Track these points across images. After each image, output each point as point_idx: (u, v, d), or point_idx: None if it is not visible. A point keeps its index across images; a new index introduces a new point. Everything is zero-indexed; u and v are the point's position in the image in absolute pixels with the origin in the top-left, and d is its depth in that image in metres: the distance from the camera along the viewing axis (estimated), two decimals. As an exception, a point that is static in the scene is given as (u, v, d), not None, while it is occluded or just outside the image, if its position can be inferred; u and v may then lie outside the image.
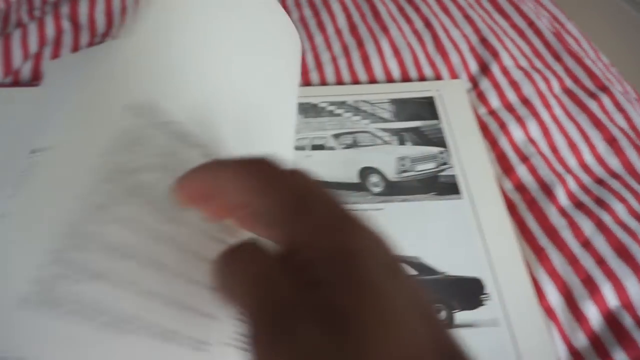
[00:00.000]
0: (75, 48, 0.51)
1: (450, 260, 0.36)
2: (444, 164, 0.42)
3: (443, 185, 0.40)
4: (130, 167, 0.22)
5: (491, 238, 0.37)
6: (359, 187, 0.40)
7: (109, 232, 0.20)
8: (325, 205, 0.17)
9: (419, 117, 0.45)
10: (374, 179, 0.41)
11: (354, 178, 0.41)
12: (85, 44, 0.52)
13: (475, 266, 0.36)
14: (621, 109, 0.46)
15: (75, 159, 0.21)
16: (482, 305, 0.34)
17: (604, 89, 0.48)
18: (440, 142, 0.43)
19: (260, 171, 0.18)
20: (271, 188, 0.17)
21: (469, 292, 0.35)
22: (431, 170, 0.41)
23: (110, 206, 0.20)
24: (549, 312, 0.34)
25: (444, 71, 0.50)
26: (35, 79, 0.48)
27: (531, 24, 0.55)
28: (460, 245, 0.37)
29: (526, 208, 0.39)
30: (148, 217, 0.21)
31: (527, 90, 0.48)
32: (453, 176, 0.41)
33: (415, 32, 0.54)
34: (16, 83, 0.48)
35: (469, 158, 0.42)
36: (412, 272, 0.35)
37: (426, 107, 0.46)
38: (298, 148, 0.43)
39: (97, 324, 0.19)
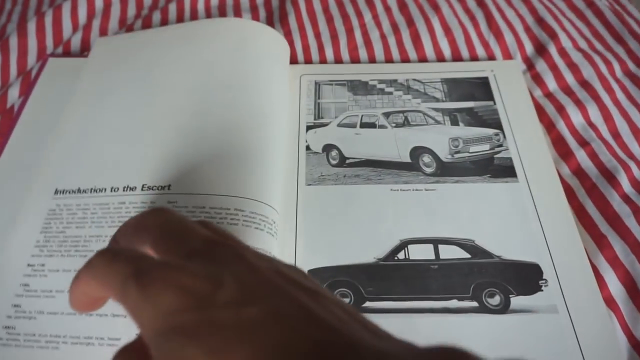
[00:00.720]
0: (123, 20, 0.51)
1: (506, 244, 0.35)
2: (499, 146, 0.40)
3: (498, 168, 0.39)
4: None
5: (549, 223, 0.36)
6: (411, 166, 0.39)
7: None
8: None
9: (473, 98, 0.44)
10: (426, 159, 0.40)
11: (406, 157, 0.40)
12: (132, 16, 0.52)
13: (532, 251, 0.35)
14: (688, 94, 0.44)
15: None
16: (540, 290, 0.33)
17: (670, 73, 0.45)
18: (494, 123, 0.42)
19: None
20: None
21: (527, 277, 0.34)
22: (486, 152, 0.40)
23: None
24: (610, 302, 0.33)
25: (497, 52, 0.48)
26: (84, 49, 0.48)
27: (591, 4, 0.52)
28: (517, 229, 0.36)
29: (585, 194, 0.38)
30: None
31: (587, 72, 0.45)
32: (509, 159, 0.40)
33: (468, 10, 0.52)
34: (66, 53, 0.48)
35: (525, 141, 0.41)
36: (466, 255, 0.34)
37: (480, 88, 0.44)
38: (348, 125, 0.42)
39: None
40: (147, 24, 0.51)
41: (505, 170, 0.39)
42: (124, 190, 0.34)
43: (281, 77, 0.42)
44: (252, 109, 0.38)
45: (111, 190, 0.34)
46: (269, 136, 0.37)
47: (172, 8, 0.52)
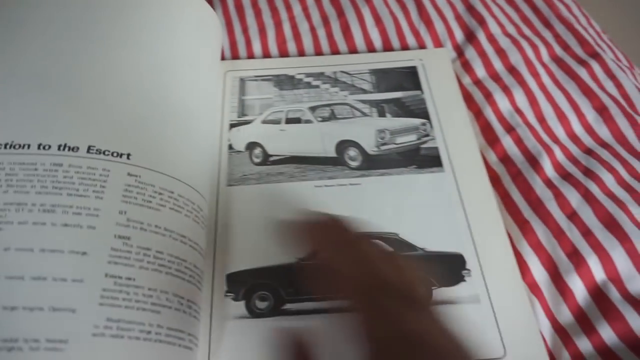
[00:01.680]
0: None
1: (430, 236, 0.34)
2: (426, 135, 0.40)
3: (424, 158, 0.39)
4: None
5: (473, 212, 0.36)
6: (336, 161, 0.38)
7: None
8: None
9: (401, 88, 0.43)
10: (351, 152, 0.39)
11: (331, 152, 0.39)
12: None
13: (456, 241, 0.34)
14: (612, 76, 0.44)
15: None
16: (463, 281, 0.33)
17: (595, 55, 0.45)
18: (422, 113, 0.41)
19: None
20: None
21: (450, 268, 0.33)
22: (412, 143, 0.40)
23: None
24: (533, 287, 0.33)
25: (428, 40, 0.48)
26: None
27: (520, -11, 0.52)
28: (441, 219, 0.35)
29: (510, 180, 0.38)
30: None
31: (514, 58, 0.45)
32: (435, 148, 0.39)
33: (399, 0, 0.51)
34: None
35: (452, 129, 0.40)
36: (389, 249, 0.34)
37: (408, 77, 0.44)
38: (272, 122, 0.41)
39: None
40: None
41: (431, 160, 0.38)
42: (59, 149, 0.26)
43: (213, 63, 0.40)
44: (185, 96, 0.33)
45: (40, 148, 0.26)
46: (202, 124, 0.35)
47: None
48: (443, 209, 0.36)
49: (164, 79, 0.33)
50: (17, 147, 0.26)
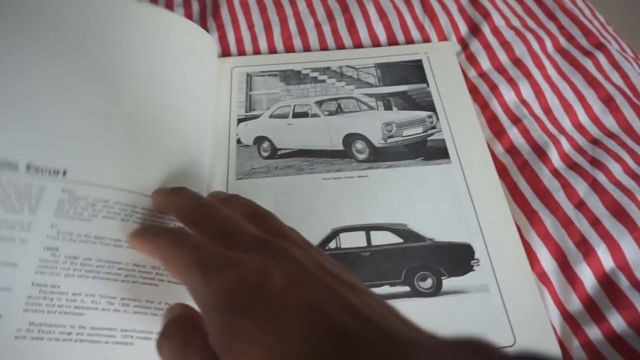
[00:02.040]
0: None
1: (438, 226, 0.35)
2: (433, 128, 0.40)
3: (431, 150, 0.39)
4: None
5: (481, 202, 0.36)
6: (344, 154, 0.39)
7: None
8: None
9: (406, 81, 0.43)
10: (359, 145, 0.39)
11: (339, 145, 0.39)
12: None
13: (464, 231, 0.34)
14: (618, 67, 0.44)
15: None
16: (472, 270, 0.33)
17: (600, 46, 0.46)
18: (428, 106, 0.41)
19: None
20: None
21: (458, 258, 0.33)
22: (419, 135, 0.40)
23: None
24: (542, 276, 0.33)
25: (432, 34, 0.48)
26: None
27: (524, -18, 0.52)
28: (449, 210, 0.35)
29: (518, 171, 0.38)
30: None
31: (519, 50, 0.45)
32: (442, 140, 0.39)
33: (403, -6, 0.51)
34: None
35: (459, 121, 0.40)
36: (398, 239, 0.34)
37: (414, 71, 0.44)
38: (279, 116, 0.41)
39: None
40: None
41: (438, 152, 0.39)
42: None
43: (203, 74, 0.40)
44: (167, 105, 0.35)
45: None
46: (188, 134, 0.35)
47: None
48: (451, 200, 0.36)
49: (124, 91, 0.34)
50: None
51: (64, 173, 0.29)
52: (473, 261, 0.33)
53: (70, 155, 0.30)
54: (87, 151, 0.30)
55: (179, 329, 0.22)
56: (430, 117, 0.41)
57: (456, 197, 0.36)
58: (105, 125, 0.32)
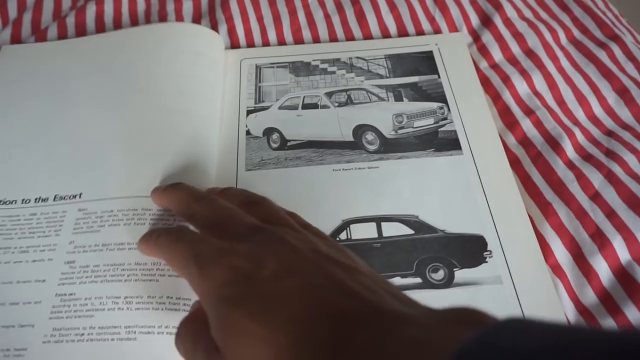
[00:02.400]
0: (57, 13, 0.49)
1: (450, 218, 0.34)
2: (444, 119, 0.40)
3: (442, 141, 0.38)
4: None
5: (493, 194, 0.35)
6: (354, 145, 0.38)
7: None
8: None
9: (417, 73, 0.43)
10: (369, 136, 0.39)
11: (349, 136, 0.39)
12: (67, 8, 0.50)
13: (477, 223, 0.34)
14: (632, 58, 0.43)
15: None
16: (485, 262, 0.32)
17: (615, 38, 0.45)
18: (439, 97, 0.41)
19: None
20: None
21: (471, 249, 0.33)
22: (430, 126, 0.39)
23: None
24: (556, 269, 0.33)
25: (443, 26, 0.47)
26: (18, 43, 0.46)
27: (536, -27, 0.52)
28: (461, 202, 0.35)
29: (531, 162, 0.37)
30: None
31: (532, 41, 0.45)
32: (453, 132, 0.39)
33: (413, -14, 0.51)
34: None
35: (470, 113, 0.40)
36: (409, 231, 0.34)
37: (424, 62, 0.43)
38: (289, 107, 0.41)
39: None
40: (80, 17, 0.48)
41: (449, 144, 0.38)
42: (35, 201, 0.34)
43: (210, 72, 0.41)
44: (168, 111, 0.37)
45: (22, 202, 0.34)
46: (194, 133, 0.36)
47: (109, -2, 0.50)
48: (463, 192, 0.35)
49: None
50: (7, 202, 0.34)
51: (80, 195, 0.33)
52: (485, 253, 0.33)
53: (84, 179, 0.34)
54: (97, 172, 0.34)
55: (190, 326, 0.22)
56: (441, 108, 0.40)
57: (468, 188, 0.36)
58: (113, 144, 0.36)
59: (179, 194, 0.29)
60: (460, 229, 0.34)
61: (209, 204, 0.26)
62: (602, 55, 0.43)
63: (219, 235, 0.23)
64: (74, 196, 0.33)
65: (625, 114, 0.40)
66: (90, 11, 0.49)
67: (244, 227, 0.23)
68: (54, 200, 0.33)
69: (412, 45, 0.45)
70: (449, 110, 0.40)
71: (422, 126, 0.39)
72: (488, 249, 0.33)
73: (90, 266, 0.30)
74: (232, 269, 0.20)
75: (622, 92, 0.41)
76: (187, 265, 0.22)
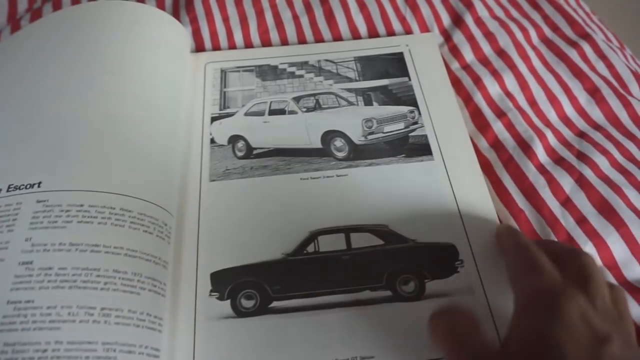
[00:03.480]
0: (12, 15, 0.47)
1: (421, 226, 0.33)
2: (414, 123, 0.39)
3: (413, 147, 0.37)
4: None
5: (464, 201, 0.34)
6: (322, 152, 0.37)
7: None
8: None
9: (387, 75, 0.42)
10: (338, 143, 0.38)
11: (317, 143, 0.38)
12: (23, 10, 0.47)
13: (448, 231, 0.33)
14: (603, 57, 0.43)
15: None
16: (457, 272, 0.32)
17: (585, 36, 0.44)
18: (410, 100, 0.40)
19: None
20: None
21: (442, 259, 0.32)
22: (400, 131, 0.38)
23: None
24: (528, 276, 0.32)
25: (414, 26, 0.46)
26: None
27: (507, -29, 0.51)
28: (432, 209, 0.34)
29: (502, 167, 0.37)
30: None
31: (503, 41, 0.44)
32: (424, 136, 0.38)
33: (383, -16, 0.50)
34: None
35: (441, 116, 0.39)
36: (379, 241, 0.33)
37: (395, 64, 0.42)
38: (255, 114, 0.39)
39: None
40: (36, 19, 0.46)
41: (420, 149, 0.37)
42: None
43: (176, 68, 0.39)
44: (140, 100, 0.34)
45: None
46: (161, 131, 0.34)
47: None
48: (434, 198, 0.34)
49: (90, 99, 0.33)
50: None
51: (39, 185, 0.29)
52: (457, 262, 0.32)
53: (44, 166, 0.29)
54: (59, 159, 0.30)
55: (466, 317, 0.26)
56: (412, 112, 0.39)
57: (439, 195, 0.35)
58: (75, 130, 0.31)
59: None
60: (432, 238, 0.33)
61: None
62: (573, 54, 0.43)
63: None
64: (31, 185, 0.29)
65: (596, 114, 0.40)
66: (47, 13, 0.46)
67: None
68: (7, 191, 0.29)
69: (382, 46, 0.44)
70: (419, 114, 0.39)
71: (392, 131, 0.38)
72: (459, 258, 0.32)
73: (55, 269, 0.26)
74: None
75: (593, 92, 0.41)
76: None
